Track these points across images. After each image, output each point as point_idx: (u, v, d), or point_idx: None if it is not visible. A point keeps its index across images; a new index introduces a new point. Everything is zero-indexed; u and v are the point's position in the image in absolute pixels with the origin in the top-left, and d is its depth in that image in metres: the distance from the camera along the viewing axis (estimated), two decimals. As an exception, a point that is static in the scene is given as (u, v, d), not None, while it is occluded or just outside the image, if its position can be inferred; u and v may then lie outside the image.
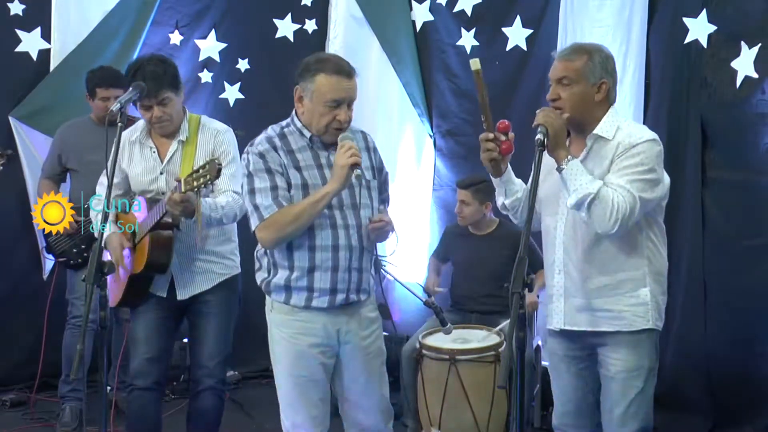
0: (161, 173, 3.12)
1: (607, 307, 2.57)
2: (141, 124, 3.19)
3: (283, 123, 2.77)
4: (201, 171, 2.76)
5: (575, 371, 2.70)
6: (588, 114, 2.56)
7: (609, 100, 2.59)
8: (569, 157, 2.47)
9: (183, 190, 2.79)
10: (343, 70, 2.64)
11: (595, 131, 2.55)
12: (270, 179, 2.61)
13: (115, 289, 3.18)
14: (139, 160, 3.15)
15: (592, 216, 2.45)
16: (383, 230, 2.68)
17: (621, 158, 2.49)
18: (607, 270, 2.57)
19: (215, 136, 3.14)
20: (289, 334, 2.71)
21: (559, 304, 2.65)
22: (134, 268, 3.08)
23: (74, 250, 4.02)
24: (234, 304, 3.28)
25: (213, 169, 2.72)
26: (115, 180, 3.11)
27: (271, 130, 2.74)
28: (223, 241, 3.21)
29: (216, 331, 3.18)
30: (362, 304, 2.77)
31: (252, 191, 2.63)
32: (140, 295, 3.13)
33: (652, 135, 2.53)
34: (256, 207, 2.62)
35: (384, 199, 2.87)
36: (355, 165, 2.53)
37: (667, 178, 2.61)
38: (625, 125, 2.56)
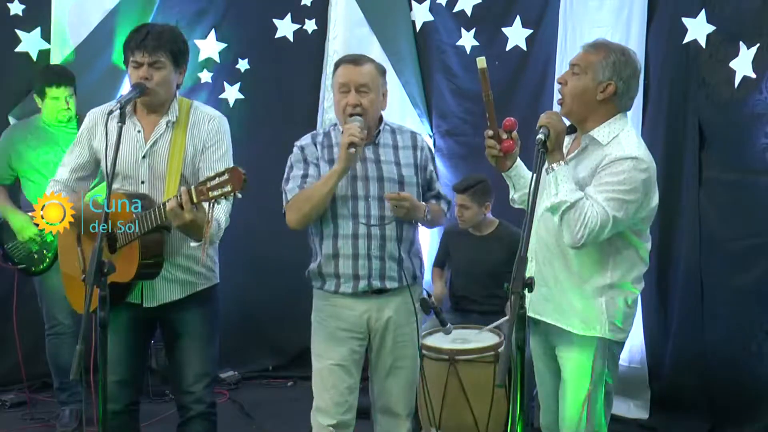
0: (144, 157, 2.77)
1: (564, 305, 2.59)
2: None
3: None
4: (219, 179, 2.40)
5: (553, 370, 2.72)
6: (586, 110, 2.55)
7: (617, 105, 2.55)
8: (561, 162, 2.47)
9: (194, 199, 2.45)
10: (351, 58, 2.91)
11: (591, 132, 2.54)
12: (304, 168, 2.88)
13: (81, 295, 2.67)
14: (120, 140, 2.64)
15: (562, 224, 2.46)
16: (400, 205, 2.78)
17: (604, 171, 2.46)
18: (570, 271, 2.58)
19: (209, 122, 2.82)
20: (321, 318, 2.93)
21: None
22: (120, 276, 2.62)
23: (35, 256, 3.94)
24: (215, 319, 2.94)
25: (236, 180, 2.37)
26: (79, 161, 2.84)
27: (322, 128, 3.03)
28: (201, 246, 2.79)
29: (200, 351, 2.86)
30: (396, 293, 2.87)
31: (286, 179, 2.89)
32: (116, 304, 2.67)
33: (641, 154, 2.47)
34: (284, 191, 2.87)
35: (435, 196, 3.01)
36: (352, 144, 2.68)
37: (654, 201, 2.55)
38: (624, 136, 2.52)
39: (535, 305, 2.64)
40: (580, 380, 2.57)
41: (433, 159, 3.03)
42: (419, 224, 2.98)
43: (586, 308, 2.56)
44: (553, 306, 2.61)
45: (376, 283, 2.84)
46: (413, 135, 2.99)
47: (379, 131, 2.94)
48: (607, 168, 2.46)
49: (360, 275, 2.83)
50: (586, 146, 2.57)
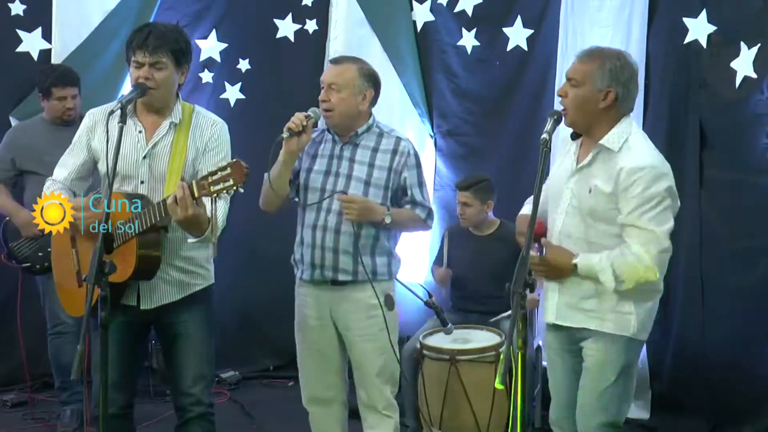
0: (144, 158, 2.73)
1: (593, 308, 2.59)
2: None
3: None
4: (221, 174, 2.38)
5: (570, 365, 2.72)
6: (591, 118, 2.56)
7: (619, 110, 2.56)
8: (573, 265, 2.53)
9: (196, 194, 2.42)
10: (335, 58, 3.12)
11: (601, 141, 2.54)
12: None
13: (74, 298, 2.82)
14: (121, 141, 2.61)
15: (633, 283, 2.50)
16: (348, 206, 2.90)
17: (628, 191, 2.46)
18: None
19: (211, 126, 2.81)
20: (297, 305, 3.16)
21: (553, 299, 2.67)
22: (118, 276, 2.54)
23: (39, 254, 3.91)
24: (211, 319, 2.91)
25: (238, 174, 2.34)
26: (77, 161, 2.81)
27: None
28: (197, 246, 2.75)
29: (197, 353, 2.84)
30: (351, 287, 2.99)
31: None
32: (112, 306, 2.60)
33: (655, 161, 2.50)
34: None
35: (410, 202, 3.04)
36: (288, 129, 2.84)
37: (678, 199, 2.59)
38: (633, 140, 2.53)
39: (562, 313, 2.65)
40: (604, 372, 2.59)
41: (417, 167, 3.05)
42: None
43: (618, 310, 2.57)
44: (583, 311, 2.61)
45: (329, 274, 2.99)
46: (398, 140, 3.05)
47: (357, 132, 3.03)
48: (629, 187, 2.46)
49: (315, 264, 3.00)
50: (597, 153, 2.57)
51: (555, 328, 2.73)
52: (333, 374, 3.14)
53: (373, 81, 3.06)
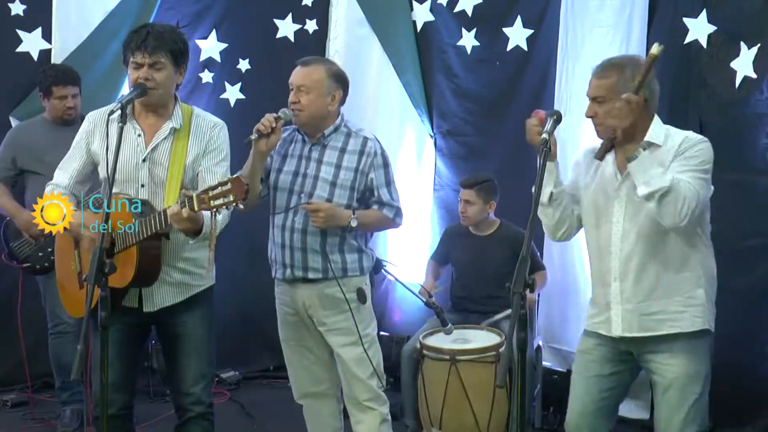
0: (143, 161, 2.73)
1: (667, 308, 2.56)
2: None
3: None
4: (221, 189, 2.42)
5: (609, 372, 2.67)
6: (630, 126, 2.52)
7: (648, 110, 2.56)
8: (638, 148, 2.45)
9: (196, 208, 2.46)
10: (302, 60, 3.11)
11: (646, 138, 2.54)
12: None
13: (75, 299, 2.85)
14: (121, 142, 2.63)
15: (662, 209, 2.43)
16: (314, 214, 2.93)
17: (684, 154, 2.51)
18: (671, 268, 2.56)
19: (211, 129, 2.83)
20: (277, 304, 3.21)
21: (616, 311, 2.61)
22: (117, 281, 2.59)
23: (39, 254, 3.92)
24: (212, 320, 2.93)
25: (238, 190, 2.40)
26: (77, 164, 2.82)
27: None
28: (198, 246, 2.76)
29: (198, 353, 2.85)
30: (323, 283, 3.03)
31: None
32: (112, 308, 2.59)
33: (705, 138, 2.58)
34: None
35: (377, 202, 3.08)
36: (257, 131, 2.87)
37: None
38: (673, 131, 2.58)
39: (629, 324, 2.59)
40: (689, 385, 2.57)
41: (384, 166, 3.08)
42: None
43: (692, 304, 2.56)
44: (655, 317, 2.57)
45: (298, 273, 3.04)
46: (364, 140, 3.07)
47: (324, 134, 3.06)
48: (686, 151, 2.51)
49: (286, 263, 3.05)
50: (644, 150, 2.54)
51: (605, 337, 2.65)
52: (320, 368, 3.20)
53: (341, 81, 3.07)
